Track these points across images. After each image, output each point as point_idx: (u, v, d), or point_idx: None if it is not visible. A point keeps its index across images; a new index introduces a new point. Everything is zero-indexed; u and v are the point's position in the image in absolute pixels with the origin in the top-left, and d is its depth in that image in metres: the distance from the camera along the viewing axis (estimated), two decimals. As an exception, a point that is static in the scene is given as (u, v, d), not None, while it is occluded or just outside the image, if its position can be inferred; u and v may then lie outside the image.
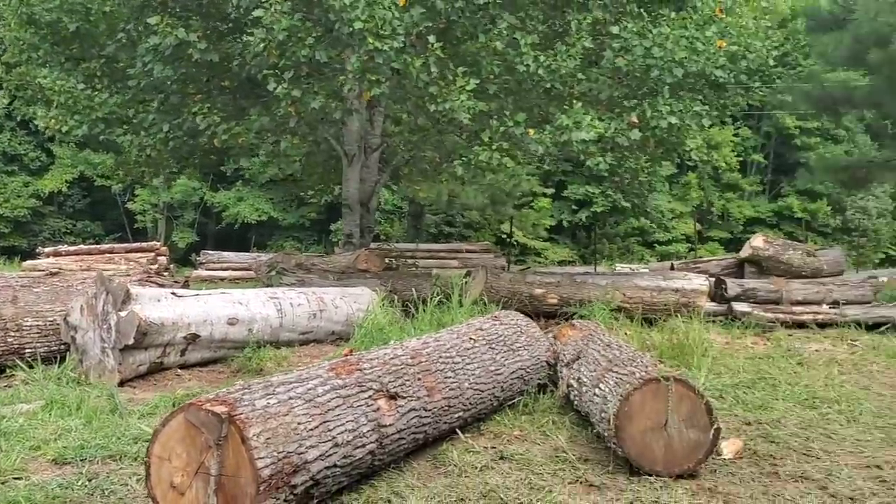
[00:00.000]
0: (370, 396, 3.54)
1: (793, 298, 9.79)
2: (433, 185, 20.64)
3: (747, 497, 3.51)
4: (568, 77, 9.37)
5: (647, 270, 14.06)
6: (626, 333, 7.76)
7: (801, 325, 9.52)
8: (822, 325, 9.53)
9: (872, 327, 9.50)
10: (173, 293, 6.52)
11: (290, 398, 3.15)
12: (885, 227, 33.87)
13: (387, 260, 11.30)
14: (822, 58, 17.59)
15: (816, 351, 7.93)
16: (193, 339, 6.29)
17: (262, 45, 8.68)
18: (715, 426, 3.77)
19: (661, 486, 3.60)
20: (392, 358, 3.98)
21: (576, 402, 4.72)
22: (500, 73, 9.40)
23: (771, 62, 10.56)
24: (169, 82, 10.31)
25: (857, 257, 30.62)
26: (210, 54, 9.70)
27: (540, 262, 29.87)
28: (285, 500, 2.88)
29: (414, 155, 13.48)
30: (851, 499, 3.50)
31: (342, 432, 3.24)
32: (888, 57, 12.03)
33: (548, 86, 9.35)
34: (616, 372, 4.21)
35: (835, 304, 9.82)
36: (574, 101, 9.46)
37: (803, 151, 33.73)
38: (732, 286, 9.81)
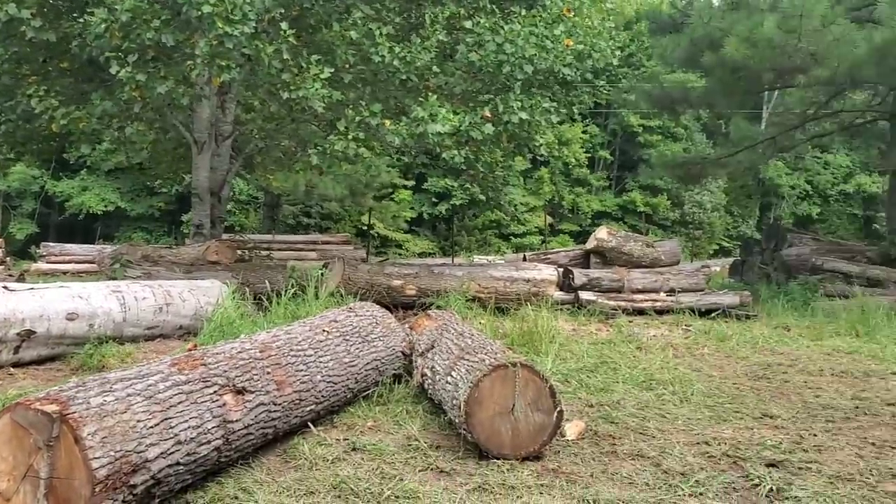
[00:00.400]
0: (215, 392, 3.44)
1: (633, 287, 10.37)
2: (289, 175, 20.27)
3: (588, 476, 3.67)
4: (423, 69, 9.48)
5: (502, 262, 14.44)
6: (480, 322, 7.94)
7: (640, 312, 10.10)
8: (660, 312, 10.16)
9: (705, 313, 10.22)
10: (5, 287, 6.09)
11: (129, 395, 3.02)
12: (719, 220, 36.44)
13: (239, 251, 10.99)
14: (662, 59, 18.57)
15: (654, 336, 8.44)
16: (28, 335, 5.90)
17: (103, 25, 8.24)
18: (558, 409, 3.92)
19: (508, 469, 3.71)
20: (239, 352, 3.89)
21: (430, 391, 4.78)
22: (356, 63, 9.37)
23: (616, 62, 11.06)
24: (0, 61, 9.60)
25: (693, 248, 32.71)
26: (46, 33, 9.07)
27: (401, 254, 30.00)
28: (124, 501, 2.76)
29: (268, 143, 13.18)
30: (682, 474, 3.72)
31: (185, 429, 3.14)
32: (720, 60, 12.87)
33: (403, 77, 9.41)
34: (467, 360, 4.29)
35: (671, 291, 10.47)
36: (429, 94, 9.56)
37: (646, 148, 35.56)
38: (579, 276, 10.26)
